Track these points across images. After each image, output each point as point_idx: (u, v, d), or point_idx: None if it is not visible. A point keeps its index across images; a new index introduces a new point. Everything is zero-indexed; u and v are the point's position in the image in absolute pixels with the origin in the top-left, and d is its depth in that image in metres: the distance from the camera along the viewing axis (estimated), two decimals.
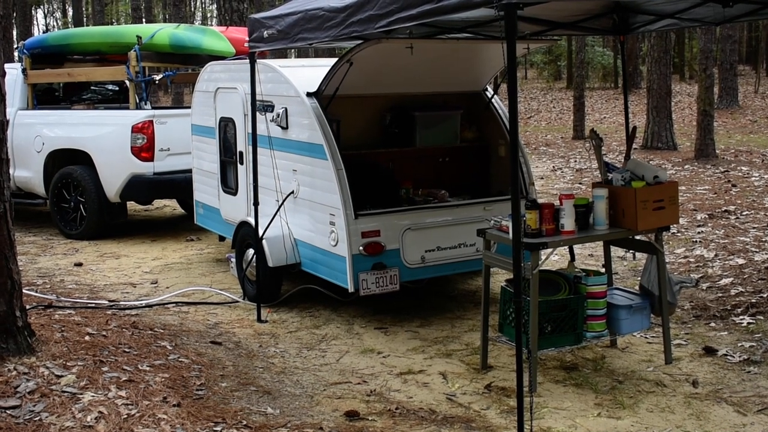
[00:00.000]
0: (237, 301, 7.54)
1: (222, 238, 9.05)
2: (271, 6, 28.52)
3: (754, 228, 9.82)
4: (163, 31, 10.69)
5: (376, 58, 6.86)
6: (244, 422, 4.61)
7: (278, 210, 7.22)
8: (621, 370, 5.65)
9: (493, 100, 7.85)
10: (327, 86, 6.88)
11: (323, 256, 6.79)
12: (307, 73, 7.32)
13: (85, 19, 43.17)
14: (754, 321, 6.56)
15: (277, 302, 7.36)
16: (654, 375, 5.56)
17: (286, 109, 7.13)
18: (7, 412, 4.27)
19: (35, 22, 57.14)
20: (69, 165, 10.70)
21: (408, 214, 6.78)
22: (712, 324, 6.61)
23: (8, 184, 5.05)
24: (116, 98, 12.52)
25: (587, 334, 5.43)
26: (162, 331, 6.29)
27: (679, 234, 9.68)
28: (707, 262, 8.43)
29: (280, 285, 7.41)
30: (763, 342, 6.08)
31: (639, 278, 6.07)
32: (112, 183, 10.25)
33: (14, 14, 32.27)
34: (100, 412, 4.36)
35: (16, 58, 12.21)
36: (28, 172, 11.13)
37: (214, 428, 4.46)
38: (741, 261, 8.30)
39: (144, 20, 35.99)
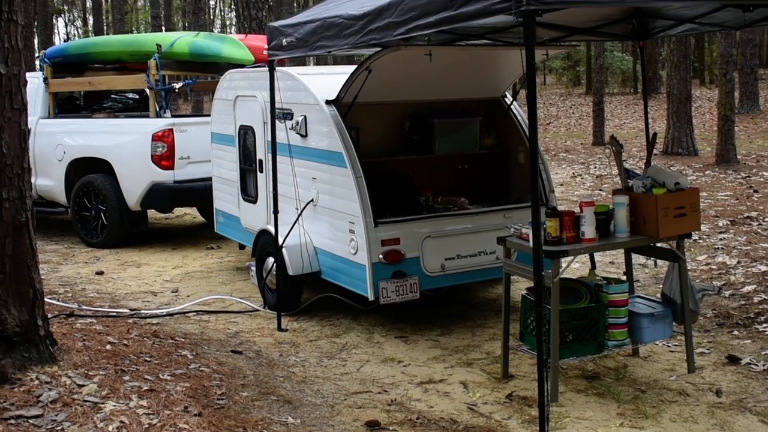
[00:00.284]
0: (257, 310, 7.54)
1: (242, 247, 9.06)
2: (290, 14, 28.63)
3: None
4: (182, 40, 10.74)
5: (394, 66, 6.85)
6: None
7: (298, 218, 7.22)
8: (643, 379, 5.60)
9: (512, 106, 7.83)
10: (346, 94, 6.88)
11: (343, 265, 6.79)
12: (326, 81, 7.32)
13: (105, 27, 43.48)
14: None
15: (298, 311, 7.36)
16: (677, 384, 5.51)
17: (305, 117, 7.14)
18: (30, 421, 4.29)
19: (56, 30, 57.54)
20: (90, 173, 10.76)
21: (428, 221, 6.76)
22: (735, 332, 6.55)
23: (30, 193, 5.07)
24: (136, 107, 12.59)
25: (609, 343, 5.39)
26: (183, 339, 6.30)
27: (700, 241, 9.61)
28: (729, 269, 8.36)
29: (300, 293, 7.41)
30: None
31: (661, 286, 6.03)
32: (132, 191, 10.30)
33: (35, 23, 32.53)
34: (121, 421, 4.37)
35: (38, 67, 12.30)
36: (50, 181, 11.20)
37: None
38: (764, 268, 8.22)
39: (163, 28, 36.21)
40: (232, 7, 49.46)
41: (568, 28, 6.76)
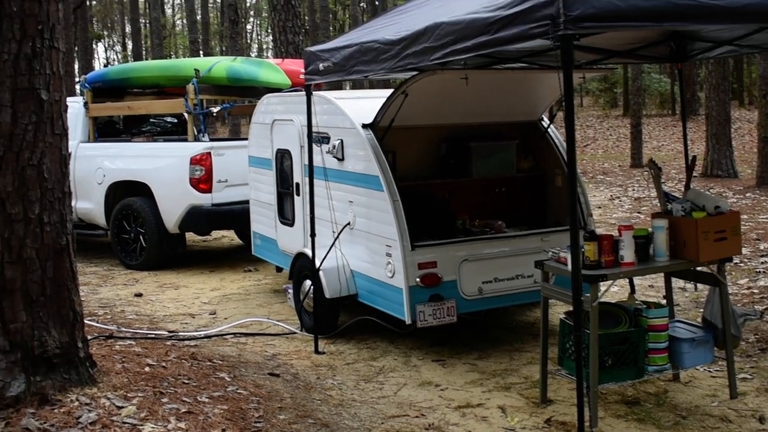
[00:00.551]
0: (294, 333, 7.56)
1: (279, 269, 9.10)
2: (326, 38, 28.84)
3: None
4: (220, 64, 10.86)
5: (431, 89, 6.87)
6: None
7: (335, 241, 7.24)
8: (684, 405, 5.53)
9: (549, 129, 7.81)
10: (382, 117, 6.91)
11: (380, 288, 6.79)
12: (362, 105, 7.36)
13: (144, 52, 44.11)
14: None
15: (335, 334, 7.37)
16: (719, 410, 5.43)
17: (342, 141, 7.17)
18: None
19: (96, 55, 58.43)
20: (129, 196, 10.89)
21: (465, 245, 6.75)
22: None
23: (71, 217, 5.15)
24: (175, 130, 12.71)
25: (649, 368, 5.33)
26: (221, 362, 6.33)
27: (741, 264, 9.48)
28: None
29: (337, 316, 7.42)
30: None
31: (701, 310, 5.95)
32: (171, 214, 10.40)
33: (75, 48, 33.04)
34: None
35: (78, 92, 12.49)
36: (90, 204, 11.34)
37: None
38: None
39: (201, 53, 36.63)
40: (269, 31, 49.95)
41: (605, 51, 6.74)
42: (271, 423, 5.09)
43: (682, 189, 6.16)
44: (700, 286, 8.25)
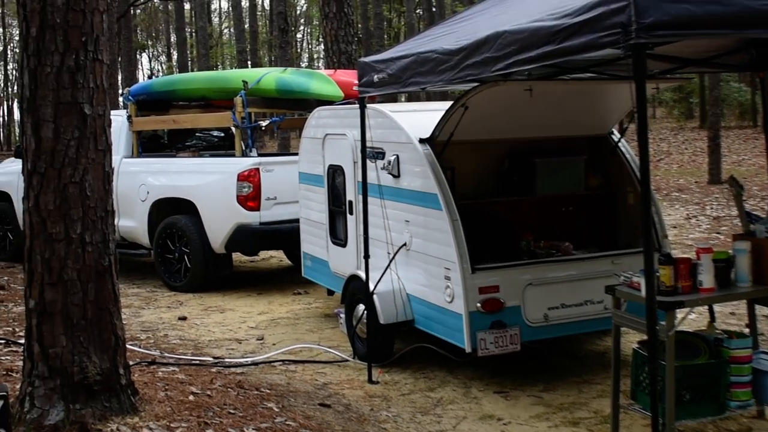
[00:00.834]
0: (347, 360, 7.56)
1: (331, 292, 9.13)
2: (380, 47, 28.96)
3: None
4: (269, 76, 10.96)
5: (492, 102, 6.86)
6: None
7: (390, 263, 7.24)
8: None
9: (619, 143, 7.74)
10: (441, 132, 6.90)
11: (438, 313, 6.77)
12: (419, 118, 7.37)
13: (189, 62, 44.77)
14: None
15: (389, 362, 7.35)
16: None
17: (397, 156, 7.18)
18: None
19: (140, 66, 59.51)
20: (174, 214, 11.02)
21: (529, 268, 6.71)
22: None
23: (113, 237, 5.22)
24: (222, 145, 12.85)
25: (731, 404, 5.22)
26: (268, 391, 6.36)
27: None
28: None
29: (392, 343, 7.41)
30: None
31: None
32: (217, 233, 10.49)
33: (119, 59, 33.65)
34: None
35: (121, 105, 12.71)
36: (133, 222, 11.49)
37: None
38: None
39: (249, 63, 37.05)
40: (320, 40, 50.39)
41: (680, 60, 6.65)
42: None
43: (766, 208, 6.04)
44: None
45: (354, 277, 7.74)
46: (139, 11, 49.53)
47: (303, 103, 11.26)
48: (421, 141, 6.94)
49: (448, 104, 7.11)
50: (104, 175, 5.11)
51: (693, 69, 7.41)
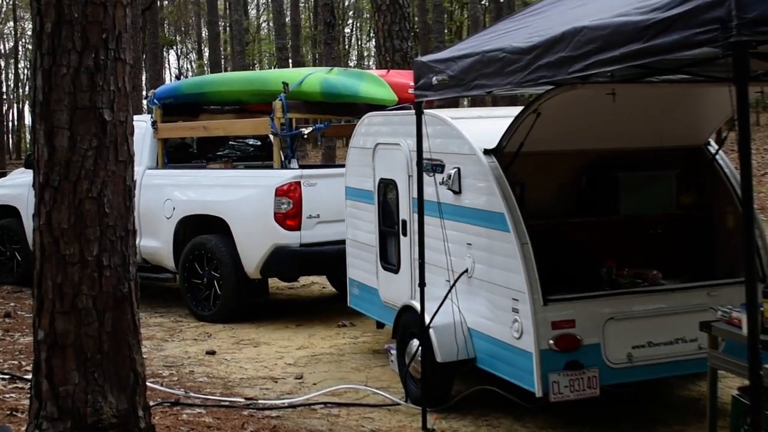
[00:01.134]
0: (398, 404, 7.56)
1: (380, 325, 9.13)
2: (440, 43, 29.04)
3: None
4: (313, 77, 11.00)
5: (569, 108, 6.84)
6: None
7: (449, 292, 7.23)
8: None
9: (717, 156, 7.67)
10: (509, 142, 6.89)
11: (504, 351, 6.74)
12: (483, 126, 7.38)
13: (223, 61, 45.22)
14: None
15: (447, 406, 7.33)
16: None
17: (458, 170, 7.18)
18: None
19: (167, 64, 60.32)
20: (202, 234, 11.08)
21: (611, 300, 6.66)
22: None
23: (134, 260, 5.25)
24: (258, 155, 12.89)
25: None
26: None
27: None
28: None
29: (450, 385, 7.39)
30: None
31: None
32: (251, 256, 10.54)
33: (144, 56, 34.06)
34: None
35: (145, 109, 12.85)
36: (156, 242, 11.56)
37: None
38: None
39: (291, 62, 37.33)
40: (372, 36, 50.68)
41: None
42: None
43: None
44: None
45: (407, 308, 7.73)
46: (166, 3, 50.22)
47: (351, 108, 11.28)
48: (486, 152, 6.93)
49: (517, 110, 7.09)
50: (125, 190, 5.14)
51: None
